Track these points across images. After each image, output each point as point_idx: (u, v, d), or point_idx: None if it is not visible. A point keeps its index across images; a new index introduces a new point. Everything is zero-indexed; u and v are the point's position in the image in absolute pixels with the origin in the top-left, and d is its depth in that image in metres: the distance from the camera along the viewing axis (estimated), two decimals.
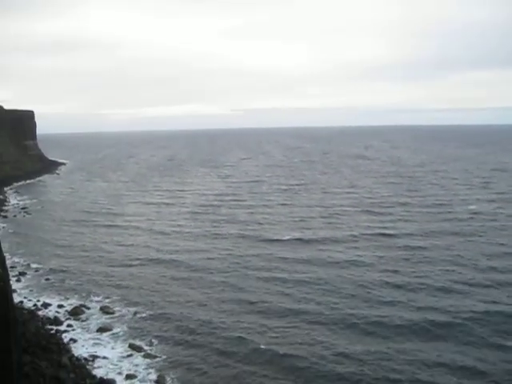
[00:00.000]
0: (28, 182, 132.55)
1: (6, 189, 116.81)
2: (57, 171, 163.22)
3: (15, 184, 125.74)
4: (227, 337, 35.31)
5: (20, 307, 40.29)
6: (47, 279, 49.86)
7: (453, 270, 47.53)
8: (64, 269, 52.84)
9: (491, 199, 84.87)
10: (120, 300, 43.38)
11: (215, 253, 56.66)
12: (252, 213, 79.54)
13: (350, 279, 46.10)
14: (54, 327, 38.11)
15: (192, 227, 70.76)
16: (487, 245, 56.31)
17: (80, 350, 34.34)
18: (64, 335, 36.80)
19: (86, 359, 33.08)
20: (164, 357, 33.18)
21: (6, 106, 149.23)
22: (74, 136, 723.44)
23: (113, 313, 40.77)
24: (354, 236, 61.91)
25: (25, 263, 55.27)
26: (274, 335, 35.49)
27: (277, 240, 61.35)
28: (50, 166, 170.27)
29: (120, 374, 31.13)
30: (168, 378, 30.45)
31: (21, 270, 52.21)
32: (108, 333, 37.10)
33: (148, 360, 32.81)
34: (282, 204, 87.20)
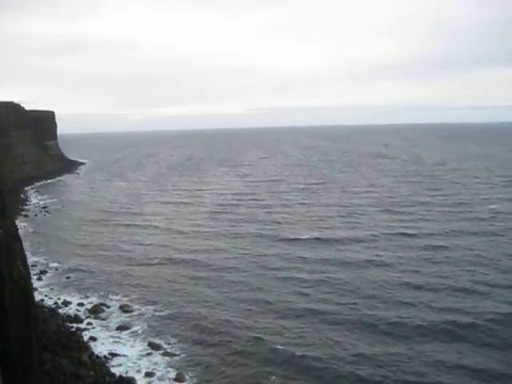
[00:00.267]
0: (49, 181, 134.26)
1: (26, 188, 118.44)
2: (77, 171, 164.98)
3: (36, 183, 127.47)
4: (245, 337, 35.27)
5: (41, 305, 40.76)
6: (67, 278, 50.37)
7: (474, 271, 46.88)
8: (84, 268, 53.33)
9: None
10: (139, 299, 43.63)
11: (233, 252, 56.69)
12: (270, 212, 79.44)
13: (369, 279, 45.75)
14: (75, 325, 38.48)
15: (210, 226, 70.90)
16: (509, 244, 55.44)
17: (100, 348, 34.62)
18: (84, 333, 37.13)
19: (105, 357, 33.34)
20: (182, 355, 33.28)
21: (27, 107, 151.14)
22: (93, 136, 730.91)
23: (132, 311, 41.03)
24: (374, 235, 61.45)
25: (45, 262, 55.93)
26: (292, 335, 35.35)
27: (295, 239, 61.17)
28: (70, 166, 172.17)
29: (139, 372, 31.32)
30: (187, 377, 30.53)
31: (42, 269, 52.86)
32: (127, 331, 37.35)
33: (167, 358, 32.95)
34: (301, 203, 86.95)
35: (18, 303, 23.45)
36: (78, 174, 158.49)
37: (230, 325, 37.37)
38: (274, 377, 30.28)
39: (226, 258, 54.52)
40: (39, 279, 49.35)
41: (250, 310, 40.27)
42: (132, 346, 34.92)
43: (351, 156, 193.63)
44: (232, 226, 70.71)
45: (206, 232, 67.72)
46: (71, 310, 41.93)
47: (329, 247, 57.31)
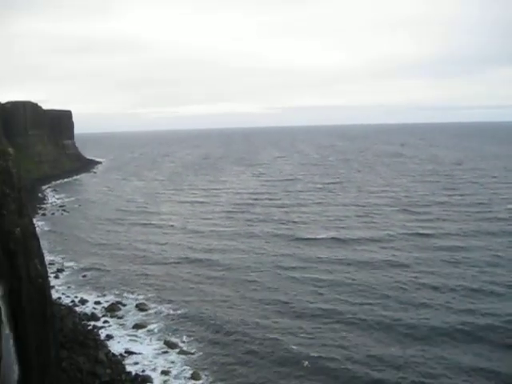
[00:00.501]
0: (65, 180, 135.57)
1: (44, 187, 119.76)
2: (94, 170, 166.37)
3: (53, 182, 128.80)
4: (260, 337, 35.23)
5: (58, 303, 41.17)
6: (84, 276, 50.80)
7: (492, 272, 46.33)
8: (100, 266, 53.75)
9: None
10: (155, 298, 43.84)
11: (249, 252, 56.70)
12: (286, 212, 79.32)
13: (385, 280, 45.46)
14: (91, 323, 38.81)
15: (226, 226, 71.00)
16: None
17: (116, 346, 34.85)
18: (101, 331, 37.41)
19: (121, 355, 33.55)
20: (198, 354, 33.36)
21: (44, 106, 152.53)
22: (109, 135, 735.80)
23: (148, 310, 41.25)
24: (390, 235, 61.06)
25: (62, 260, 56.48)
26: (307, 336, 35.24)
27: (311, 239, 61.00)
28: (87, 165, 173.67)
29: (155, 370, 31.46)
30: (202, 375, 30.60)
31: (59, 267, 53.37)
32: (144, 329, 37.54)
33: (183, 357, 33.05)
34: (317, 203, 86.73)
35: (36, 301, 23.68)
36: (95, 172, 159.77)
37: (246, 324, 37.39)
38: (307, 362, 31.03)
39: (242, 258, 54.56)
40: (56, 277, 49.86)
41: (265, 309, 40.25)
42: (148, 345, 35.10)
43: (367, 155, 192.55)
44: (248, 225, 70.75)
45: (222, 231, 67.83)
46: (88, 308, 42.28)
47: (345, 247, 57.06)
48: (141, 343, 35.37)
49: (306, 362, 31.53)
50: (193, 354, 33.48)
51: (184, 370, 31.38)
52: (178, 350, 33.94)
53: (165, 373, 31.04)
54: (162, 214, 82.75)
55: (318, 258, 53.18)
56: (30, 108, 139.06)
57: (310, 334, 35.54)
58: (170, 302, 42.68)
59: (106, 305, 42.52)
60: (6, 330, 20.84)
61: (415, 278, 45.60)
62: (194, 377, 30.41)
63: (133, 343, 35.35)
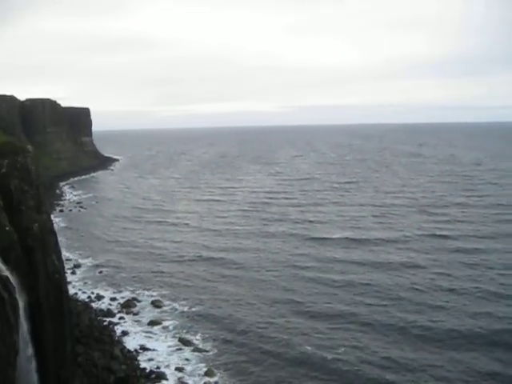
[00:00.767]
0: (83, 177, 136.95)
1: (62, 184, 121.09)
2: (111, 167, 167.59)
3: (71, 179, 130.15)
4: (274, 336, 35.24)
5: (75, 299, 41.60)
6: (100, 272, 51.24)
7: (509, 275, 45.75)
8: (116, 263, 54.16)
9: None
10: (170, 295, 44.06)
11: (265, 251, 56.68)
12: (302, 211, 79.16)
13: (401, 281, 45.14)
14: (107, 319, 39.15)
15: (242, 225, 71.07)
16: None
17: (131, 342, 35.14)
18: (116, 327, 37.74)
19: (136, 351, 33.83)
20: (213, 352, 33.48)
21: (62, 104, 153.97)
22: (126, 133, 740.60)
23: (163, 307, 41.49)
24: (407, 236, 60.60)
25: (79, 257, 57.00)
26: (321, 337, 35.15)
27: (327, 239, 60.80)
28: (105, 162, 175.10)
29: (169, 366, 31.66)
30: (217, 373, 30.71)
31: (75, 263, 53.90)
32: (159, 326, 37.79)
33: (197, 354, 33.22)
34: (334, 202, 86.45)
35: (53, 297, 23.95)
36: (112, 170, 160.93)
37: (260, 324, 37.41)
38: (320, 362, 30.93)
39: (257, 257, 54.57)
40: (73, 273, 50.35)
41: (279, 309, 40.21)
42: (163, 341, 35.33)
43: (385, 155, 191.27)
44: (263, 224, 70.73)
45: (237, 230, 67.91)
46: (104, 304, 42.66)
47: (361, 247, 56.77)
48: (156, 340, 35.62)
49: (320, 363, 31.47)
50: (207, 351, 33.62)
51: (198, 367, 31.53)
52: (192, 348, 34.11)
53: (179, 369, 31.23)
54: (177, 212, 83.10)
55: (334, 258, 52.99)
56: (48, 105, 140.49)
57: (325, 334, 35.44)
58: (184, 299, 42.88)
59: (121, 301, 42.87)
60: (24, 325, 21.11)
61: (431, 279, 45.22)
62: (208, 374, 30.57)
63: (148, 340, 35.61)
